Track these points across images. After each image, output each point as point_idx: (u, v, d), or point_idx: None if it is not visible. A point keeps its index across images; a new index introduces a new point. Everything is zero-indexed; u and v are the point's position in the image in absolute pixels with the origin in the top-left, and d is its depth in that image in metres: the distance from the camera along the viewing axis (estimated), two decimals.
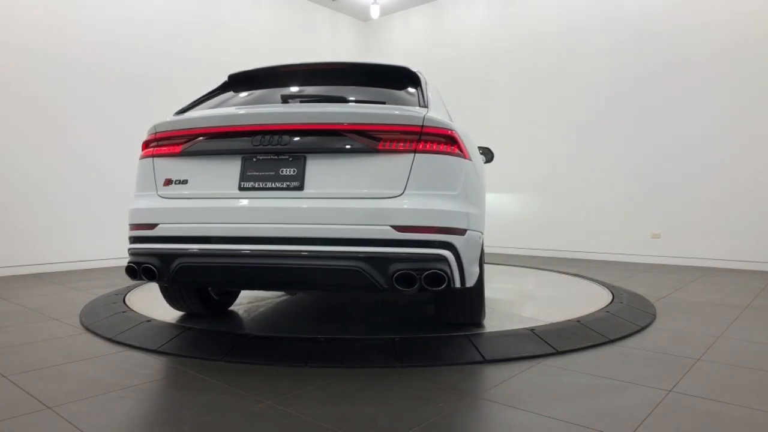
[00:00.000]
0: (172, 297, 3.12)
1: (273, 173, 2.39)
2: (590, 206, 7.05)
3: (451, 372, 2.34)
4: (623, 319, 3.19)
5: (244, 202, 2.38)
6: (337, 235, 2.24)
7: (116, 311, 3.32)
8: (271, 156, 2.40)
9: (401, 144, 2.31)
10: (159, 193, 2.56)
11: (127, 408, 1.93)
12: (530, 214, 7.50)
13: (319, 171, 2.35)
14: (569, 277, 5.00)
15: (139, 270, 2.48)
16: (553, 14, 7.41)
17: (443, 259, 2.23)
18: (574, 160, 7.18)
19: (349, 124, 2.33)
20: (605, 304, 3.52)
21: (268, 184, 2.39)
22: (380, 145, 2.30)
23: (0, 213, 5.36)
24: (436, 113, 2.53)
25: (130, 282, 4.35)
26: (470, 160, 2.52)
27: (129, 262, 2.53)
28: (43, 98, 5.61)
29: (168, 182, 2.55)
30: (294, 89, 2.97)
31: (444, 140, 2.37)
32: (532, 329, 2.83)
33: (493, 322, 3.11)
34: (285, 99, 2.62)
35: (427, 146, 2.32)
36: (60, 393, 2.11)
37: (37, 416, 1.86)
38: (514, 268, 5.64)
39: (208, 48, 7.04)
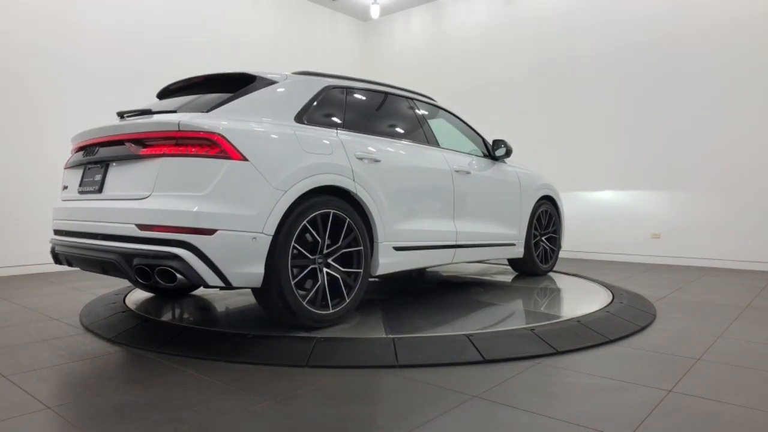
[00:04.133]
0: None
1: (91, 179, 2.89)
2: (590, 206, 7.05)
3: (451, 372, 2.34)
4: (623, 319, 3.19)
5: (76, 203, 2.95)
6: (106, 231, 2.65)
7: (116, 311, 3.33)
8: (94, 165, 2.89)
9: (156, 148, 2.56)
10: (60, 196, 3.22)
11: (127, 408, 1.93)
12: None
13: (113, 176, 2.76)
14: (569, 277, 5.00)
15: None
16: (553, 13, 7.41)
17: (176, 258, 2.38)
18: (574, 160, 7.18)
19: (127, 134, 2.69)
20: (605, 304, 3.51)
21: (87, 188, 2.89)
22: (142, 151, 2.60)
23: (0, 213, 5.37)
24: (227, 116, 2.65)
25: (130, 282, 4.36)
26: (246, 160, 2.53)
27: None
28: (44, 97, 5.61)
29: (63, 188, 3.22)
30: (162, 102, 3.27)
31: (201, 143, 2.50)
32: (532, 329, 2.83)
33: (494, 321, 3.12)
34: (121, 115, 2.92)
35: (178, 149, 2.49)
36: (60, 393, 2.11)
37: (37, 416, 1.86)
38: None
39: (207, 48, 7.05)
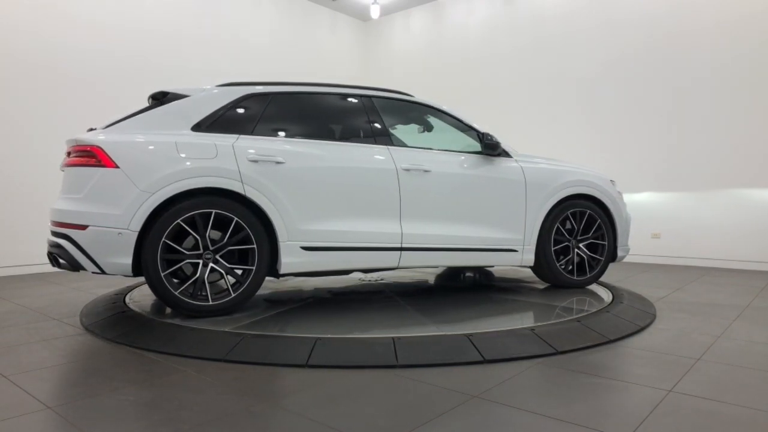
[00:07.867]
0: None
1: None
2: None
3: (451, 372, 2.35)
4: (623, 319, 3.19)
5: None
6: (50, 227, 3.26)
7: (116, 311, 3.33)
8: (62, 172, 3.37)
9: (69, 160, 3.17)
10: None
11: (127, 408, 1.93)
12: None
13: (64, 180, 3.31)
14: None
15: None
16: (553, 13, 7.41)
17: (59, 246, 3.00)
18: (574, 160, 7.18)
19: (67, 149, 3.25)
20: (605, 304, 3.51)
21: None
22: (67, 162, 3.19)
23: (0, 213, 5.37)
24: (118, 131, 3.12)
25: (130, 282, 4.36)
26: (117, 168, 2.96)
27: None
28: (44, 96, 5.61)
29: None
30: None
31: (84, 155, 3.04)
32: (532, 329, 2.83)
33: (494, 321, 3.12)
34: (89, 130, 3.33)
35: (74, 161, 3.10)
36: (60, 393, 2.11)
37: (37, 416, 1.87)
38: (514, 268, 5.64)
39: (207, 47, 7.04)
